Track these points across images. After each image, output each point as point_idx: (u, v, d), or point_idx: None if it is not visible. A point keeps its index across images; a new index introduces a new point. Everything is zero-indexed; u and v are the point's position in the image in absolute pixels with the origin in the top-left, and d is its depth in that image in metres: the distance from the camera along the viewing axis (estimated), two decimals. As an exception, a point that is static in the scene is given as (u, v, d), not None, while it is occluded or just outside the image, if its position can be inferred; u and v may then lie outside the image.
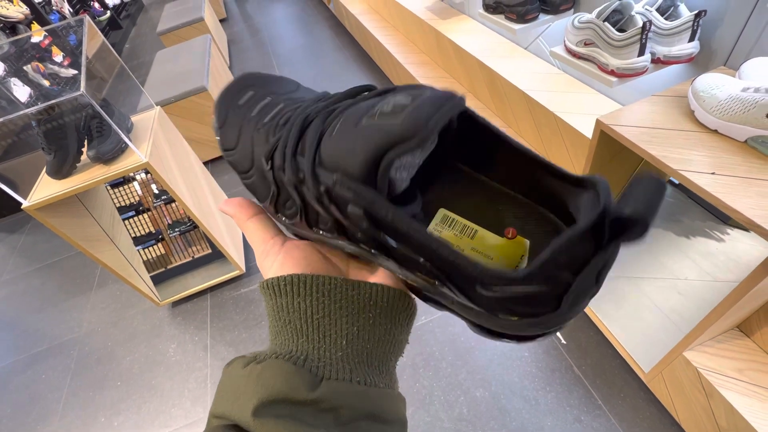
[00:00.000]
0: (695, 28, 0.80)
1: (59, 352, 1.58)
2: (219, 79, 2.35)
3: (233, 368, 0.21)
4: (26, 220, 2.28)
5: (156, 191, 1.78)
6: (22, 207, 1.08)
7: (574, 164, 1.20)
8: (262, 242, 0.25)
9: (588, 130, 1.07)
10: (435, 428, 1.10)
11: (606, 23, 0.88)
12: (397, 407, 0.22)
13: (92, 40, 1.33)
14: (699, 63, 0.88)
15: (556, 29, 1.29)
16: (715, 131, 0.70)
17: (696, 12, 0.78)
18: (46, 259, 2.03)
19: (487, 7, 1.35)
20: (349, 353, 0.21)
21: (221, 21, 4.16)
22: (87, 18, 1.22)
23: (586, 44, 0.95)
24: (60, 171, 1.10)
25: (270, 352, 0.21)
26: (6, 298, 1.90)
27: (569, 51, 1.01)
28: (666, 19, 0.84)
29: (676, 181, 1.23)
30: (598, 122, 0.79)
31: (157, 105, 1.36)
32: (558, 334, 1.20)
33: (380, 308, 0.22)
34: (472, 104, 1.64)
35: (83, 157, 1.16)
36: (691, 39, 0.82)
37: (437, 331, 1.29)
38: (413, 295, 0.24)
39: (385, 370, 0.23)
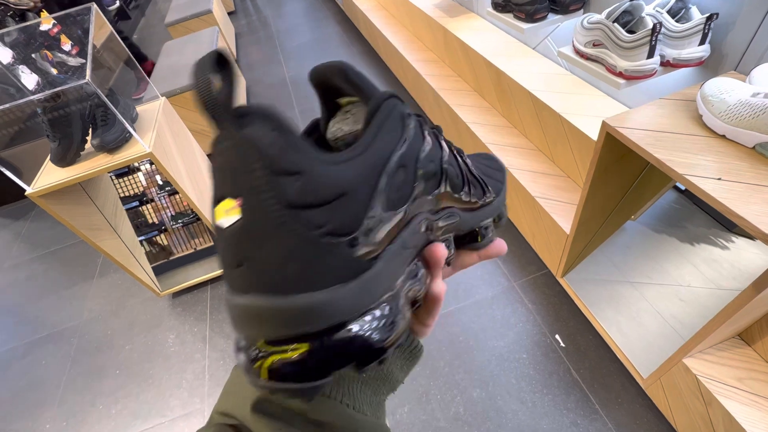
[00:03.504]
0: (706, 31, 0.79)
1: (60, 339, 1.59)
2: (225, 71, 2.34)
3: (238, 367, 0.22)
4: (30, 207, 2.29)
5: (160, 182, 1.79)
6: (25, 194, 1.09)
7: (579, 166, 1.19)
8: None
9: (594, 132, 1.06)
10: (430, 427, 1.10)
11: (616, 24, 0.87)
12: None
13: (100, 29, 1.34)
14: (709, 67, 0.86)
15: (565, 29, 1.28)
16: (723, 136, 0.69)
17: (708, 15, 0.77)
18: (49, 246, 2.04)
19: (496, 6, 1.34)
20: (343, 376, 0.22)
21: (229, 14, 4.16)
22: (94, 6, 1.22)
23: (594, 45, 0.94)
24: (64, 158, 1.11)
25: None
26: (9, 284, 1.91)
27: (577, 52, 1.00)
28: (677, 21, 0.83)
29: (682, 187, 1.22)
30: (604, 124, 0.79)
31: (162, 96, 1.36)
32: (557, 336, 1.19)
33: None
34: (478, 103, 1.63)
35: (87, 145, 1.16)
36: (702, 42, 0.80)
37: (436, 331, 1.28)
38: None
39: (374, 401, 0.24)
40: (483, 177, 0.28)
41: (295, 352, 0.16)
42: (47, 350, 1.57)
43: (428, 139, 0.22)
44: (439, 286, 0.23)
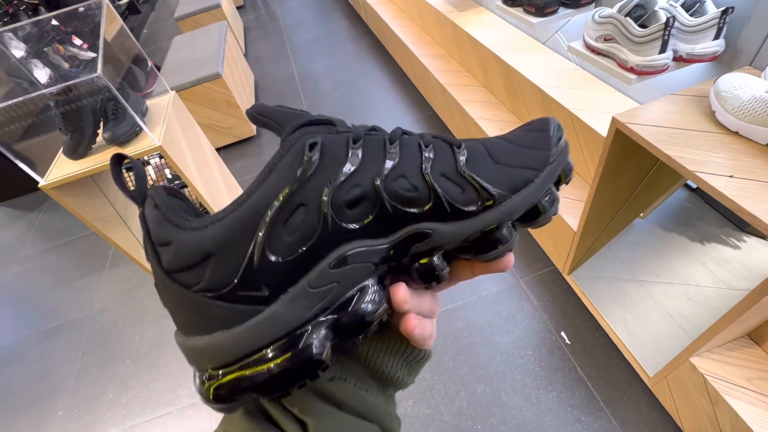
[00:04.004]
0: (721, 25, 0.77)
1: (72, 329, 1.63)
2: (234, 66, 2.36)
3: None
4: (43, 199, 2.33)
5: (169, 176, 1.81)
6: (38, 186, 1.11)
7: (588, 163, 1.18)
8: None
9: (603, 129, 1.05)
10: (434, 421, 1.10)
11: (628, 18, 0.85)
12: (392, 423, 0.25)
13: (111, 23, 1.35)
14: (723, 62, 0.85)
15: (576, 24, 1.26)
16: (736, 133, 0.68)
17: (723, 9, 0.76)
18: (61, 237, 2.08)
19: (506, 0, 1.33)
20: (356, 367, 0.25)
21: (238, 8, 4.17)
22: (106, 0, 1.23)
23: (606, 40, 0.93)
24: (76, 151, 1.12)
25: None
26: (22, 275, 1.95)
27: (588, 46, 0.99)
28: (691, 15, 0.81)
29: (694, 185, 1.20)
30: (613, 120, 0.78)
31: (172, 90, 1.38)
32: (563, 333, 1.19)
33: (393, 352, 0.26)
34: (486, 99, 1.62)
35: (99, 138, 1.18)
36: (717, 37, 0.79)
37: (441, 326, 1.29)
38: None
39: (382, 393, 0.25)
40: (492, 172, 0.23)
41: (223, 380, 0.19)
42: (60, 339, 1.61)
43: (357, 158, 0.21)
44: (409, 323, 0.23)
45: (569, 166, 0.25)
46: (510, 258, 0.24)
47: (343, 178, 0.21)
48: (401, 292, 0.22)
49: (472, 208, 0.22)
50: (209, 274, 0.19)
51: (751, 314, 0.68)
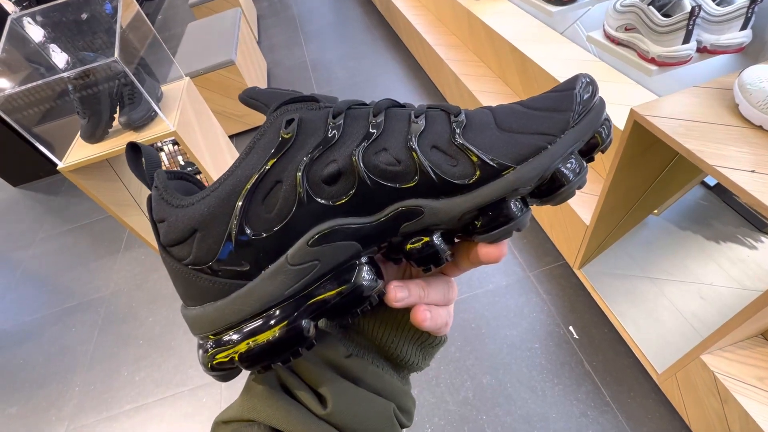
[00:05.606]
0: (749, 15, 0.75)
1: (88, 309, 1.68)
2: (247, 53, 2.36)
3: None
4: (61, 183, 2.39)
5: (182, 163, 1.83)
6: (57, 168, 1.13)
7: (603, 156, 1.16)
8: None
9: (621, 122, 1.02)
10: (439, 410, 1.12)
11: (651, 7, 0.83)
12: (407, 402, 0.25)
13: (127, 9, 1.36)
14: (749, 54, 0.82)
15: (596, 13, 1.23)
16: (760, 127, 0.66)
17: (752, -2, 0.73)
18: (78, 220, 2.13)
19: (524, -12, 1.30)
20: (371, 347, 0.25)
21: (252, -5, 4.14)
22: (123, -15, 1.24)
23: (627, 29, 0.91)
24: (93, 135, 1.14)
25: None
26: (41, 256, 2.01)
27: (608, 36, 0.96)
28: (718, 4, 0.78)
29: (711, 183, 1.17)
30: (632, 112, 0.76)
31: (186, 76, 1.39)
32: (571, 328, 1.19)
33: (407, 337, 0.26)
34: (501, 89, 1.59)
35: (115, 123, 1.19)
36: (744, 27, 0.76)
37: (448, 317, 1.29)
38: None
39: (396, 374, 0.26)
40: (495, 141, 0.20)
41: (211, 351, 0.20)
42: (77, 319, 1.65)
43: (335, 133, 0.20)
44: (418, 315, 0.23)
45: (605, 128, 0.21)
46: (499, 249, 0.21)
47: (318, 154, 0.20)
48: (391, 292, 0.22)
49: (466, 181, 0.20)
50: (195, 248, 0.20)
51: (766, 313, 0.67)
